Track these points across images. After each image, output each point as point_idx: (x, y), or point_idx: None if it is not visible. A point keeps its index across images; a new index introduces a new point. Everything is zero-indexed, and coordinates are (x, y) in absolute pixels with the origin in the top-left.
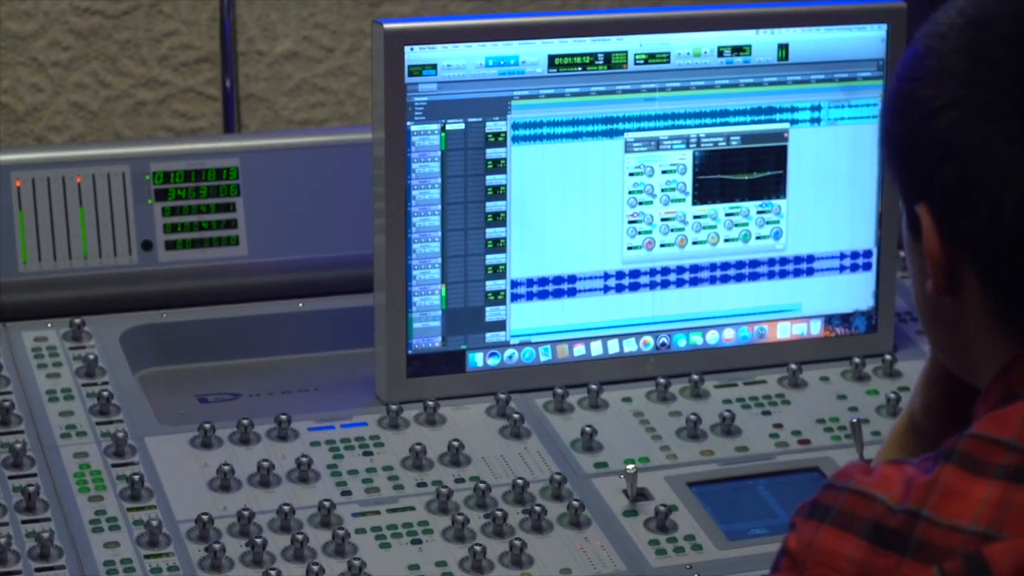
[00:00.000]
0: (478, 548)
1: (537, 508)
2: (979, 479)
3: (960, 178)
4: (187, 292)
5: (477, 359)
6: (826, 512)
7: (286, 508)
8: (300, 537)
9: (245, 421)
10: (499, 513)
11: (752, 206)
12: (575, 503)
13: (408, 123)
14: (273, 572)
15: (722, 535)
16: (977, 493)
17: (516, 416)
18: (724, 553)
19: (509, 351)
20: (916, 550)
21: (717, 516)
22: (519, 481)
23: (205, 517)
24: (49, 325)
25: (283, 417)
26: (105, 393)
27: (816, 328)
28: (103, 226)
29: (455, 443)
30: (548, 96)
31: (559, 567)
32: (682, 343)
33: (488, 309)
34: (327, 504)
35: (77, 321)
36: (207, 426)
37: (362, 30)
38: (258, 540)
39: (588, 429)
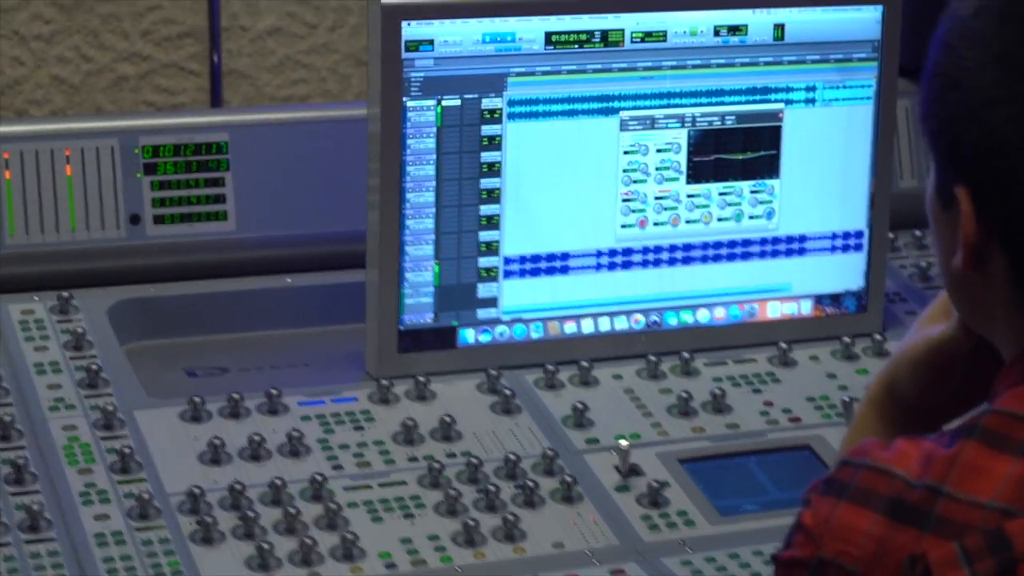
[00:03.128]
0: (471, 522)
1: (529, 483)
2: (1001, 455)
3: (1008, 173)
4: (175, 266)
5: (468, 335)
6: (843, 488)
7: (278, 482)
8: (292, 511)
9: (235, 395)
10: (491, 488)
11: (745, 186)
12: (567, 478)
13: (404, 99)
14: (266, 545)
15: (714, 511)
16: (999, 469)
17: (507, 392)
18: (716, 528)
19: (500, 328)
20: (936, 526)
21: (709, 492)
22: (511, 456)
23: (196, 490)
24: (36, 298)
25: (273, 391)
26: (93, 366)
27: (806, 308)
28: (91, 199)
29: (446, 418)
30: (544, 73)
31: (552, 541)
32: (673, 321)
33: (480, 286)
34: (319, 478)
35: (64, 294)
36: (196, 400)
37: (345, 7)
38: (250, 513)
39: (579, 405)
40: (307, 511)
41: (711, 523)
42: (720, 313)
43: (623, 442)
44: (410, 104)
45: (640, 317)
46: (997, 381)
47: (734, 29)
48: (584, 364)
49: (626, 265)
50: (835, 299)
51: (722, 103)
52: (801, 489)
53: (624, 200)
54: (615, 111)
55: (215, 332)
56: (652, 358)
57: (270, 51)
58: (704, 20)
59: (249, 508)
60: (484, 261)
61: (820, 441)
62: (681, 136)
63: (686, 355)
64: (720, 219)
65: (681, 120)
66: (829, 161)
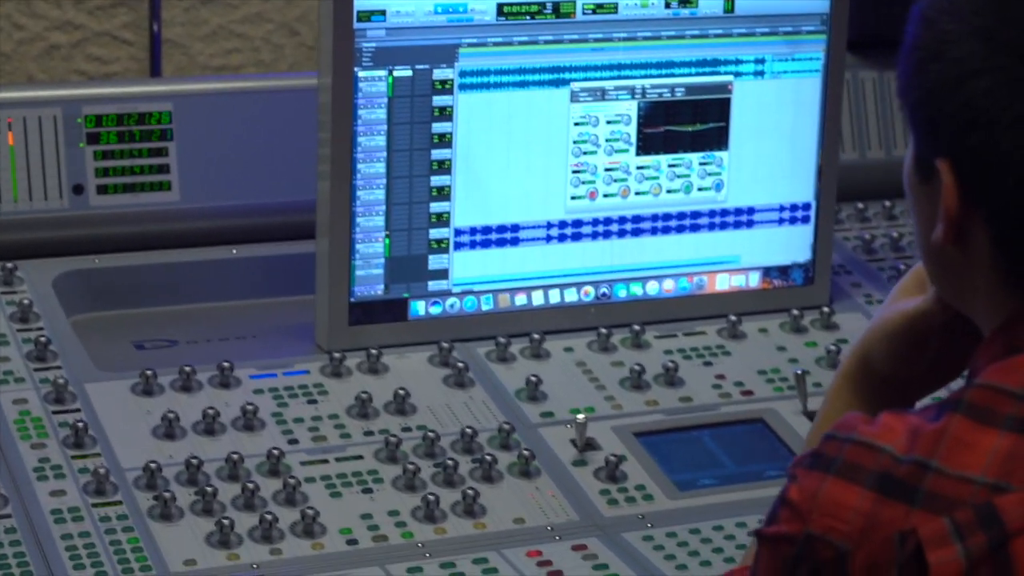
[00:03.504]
0: (431, 497)
1: (487, 458)
2: (988, 429)
3: (991, 146)
4: (119, 237)
5: (419, 307)
6: (830, 463)
7: (235, 456)
8: (251, 486)
9: (187, 368)
10: (449, 462)
11: (695, 157)
12: (525, 453)
13: (355, 69)
14: (226, 521)
15: (672, 485)
16: (986, 444)
17: (460, 365)
18: (675, 503)
19: (451, 300)
20: (925, 501)
21: (665, 466)
22: (468, 430)
23: (153, 465)
24: None
25: (225, 364)
26: (42, 339)
27: (754, 280)
28: (34, 169)
29: (401, 392)
30: (496, 44)
31: (512, 517)
32: (622, 293)
33: (431, 257)
34: (276, 452)
35: (9, 265)
36: (148, 373)
37: None
38: (208, 489)
39: (533, 378)
40: (265, 486)
41: (670, 498)
42: (669, 285)
43: (580, 416)
44: (361, 74)
45: (590, 289)
46: (976, 354)
47: (684, 1)
48: (536, 337)
49: (576, 237)
50: (783, 271)
51: (672, 75)
52: (757, 463)
53: (574, 172)
54: (566, 82)
55: (161, 303)
56: (603, 331)
57: (203, 20)
58: None
59: (207, 483)
60: (435, 232)
61: (773, 415)
62: (631, 108)
63: (636, 328)
64: (669, 191)
65: (631, 92)
66: (777, 133)
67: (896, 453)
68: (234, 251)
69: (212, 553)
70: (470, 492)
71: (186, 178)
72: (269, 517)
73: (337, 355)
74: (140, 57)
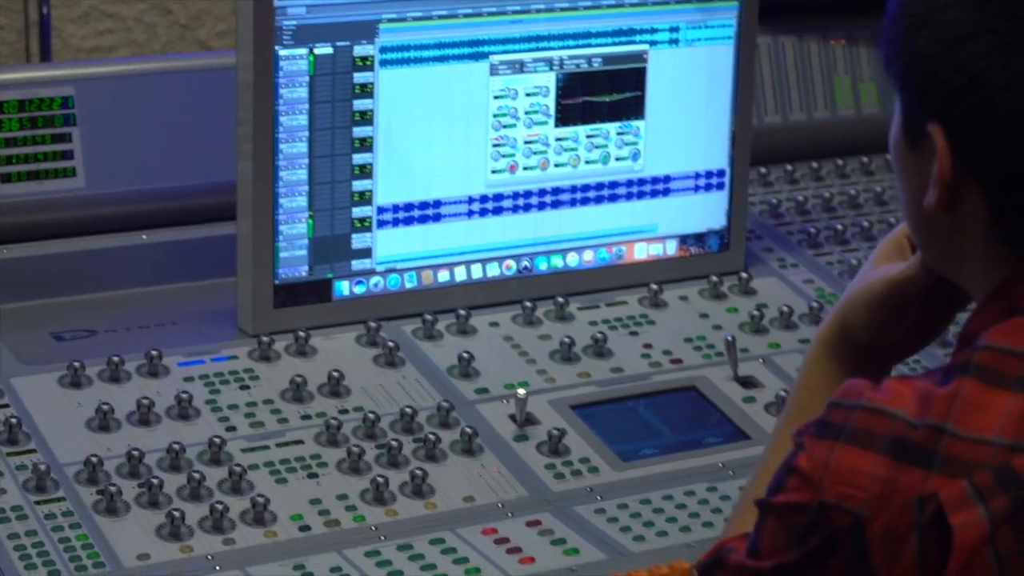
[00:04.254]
0: (379, 480)
1: (430, 437)
2: (1000, 391)
3: (986, 109)
4: (25, 226)
5: (343, 287)
6: (839, 430)
7: (175, 447)
8: (196, 476)
9: (115, 358)
10: (393, 443)
11: (612, 128)
12: (468, 430)
13: (276, 47)
14: (176, 513)
15: (615, 456)
16: (999, 405)
17: (390, 344)
18: (621, 475)
19: (375, 279)
20: (942, 464)
21: (606, 438)
22: (407, 410)
23: (94, 459)
24: None
25: (154, 353)
26: None
27: (672, 248)
28: None
29: (335, 374)
30: (415, 19)
31: (461, 495)
32: (544, 266)
33: (354, 236)
34: (217, 441)
35: None
36: (76, 364)
37: None
38: (153, 481)
39: (465, 355)
40: (210, 476)
41: (615, 469)
42: (589, 256)
43: (520, 391)
44: (282, 53)
45: (511, 263)
46: (972, 318)
47: None
48: (462, 313)
49: (497, 211)
50: (699, 238)
51: (589, 45)
52: (694, 431)
53: (494, 145)
54: (485, 56)
55: (75, 292)
56: (527, 304)
57: (75, 1)
58: None
59: (150, 475)
60: (357, 211)
61: (705, 382)
62: (549, 79)
63: (560, 300)
64: (588, 162)
65: (549, 63)
66: (692, 101)
67: (909, 418)
68: (144, 236)
69: (164, 546)
70: (418, 473)
71: (91, 164)
72: (219, 507)
73: (265, 339)
74: (11, 40)
